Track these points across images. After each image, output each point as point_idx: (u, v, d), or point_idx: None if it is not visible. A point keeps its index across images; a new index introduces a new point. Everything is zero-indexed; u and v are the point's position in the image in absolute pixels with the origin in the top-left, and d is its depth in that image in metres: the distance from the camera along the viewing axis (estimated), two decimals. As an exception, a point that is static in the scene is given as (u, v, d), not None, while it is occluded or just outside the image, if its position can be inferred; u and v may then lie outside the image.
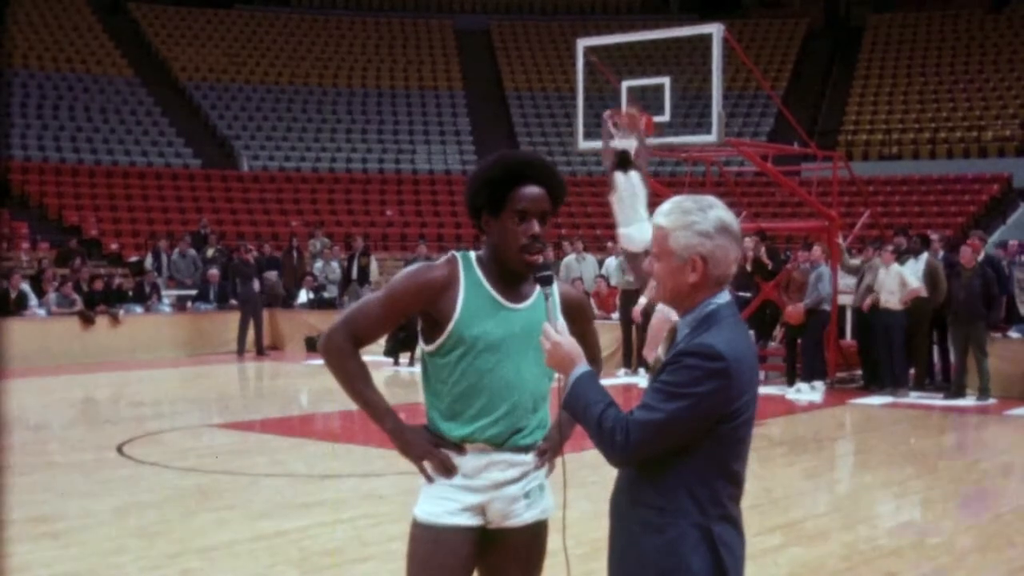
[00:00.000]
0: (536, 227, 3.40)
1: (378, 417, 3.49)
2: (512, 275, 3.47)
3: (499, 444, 3.44)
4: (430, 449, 3.45)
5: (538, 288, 3.44)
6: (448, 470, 3.44)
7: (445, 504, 3.43)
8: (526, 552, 3.54)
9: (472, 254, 3.52)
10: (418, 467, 3.49)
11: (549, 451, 3.54)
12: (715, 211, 2.93)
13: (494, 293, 3.45)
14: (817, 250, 14.53)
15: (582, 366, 2.98)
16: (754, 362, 2.94)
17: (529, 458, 3.50)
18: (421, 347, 3.54)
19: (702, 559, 2.84)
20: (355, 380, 3.48)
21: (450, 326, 3.40)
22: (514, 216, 3.39)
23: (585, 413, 2.89)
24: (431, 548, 3.43)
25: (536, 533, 3.55)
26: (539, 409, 3.52)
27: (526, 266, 3.42)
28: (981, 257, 14.04)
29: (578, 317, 3.60)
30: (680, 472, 2.85)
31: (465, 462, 3.44)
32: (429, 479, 3.47)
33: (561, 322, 3.13)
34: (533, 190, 3.41)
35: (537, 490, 3.53)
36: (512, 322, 3.44)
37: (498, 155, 3.52)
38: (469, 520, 3.44)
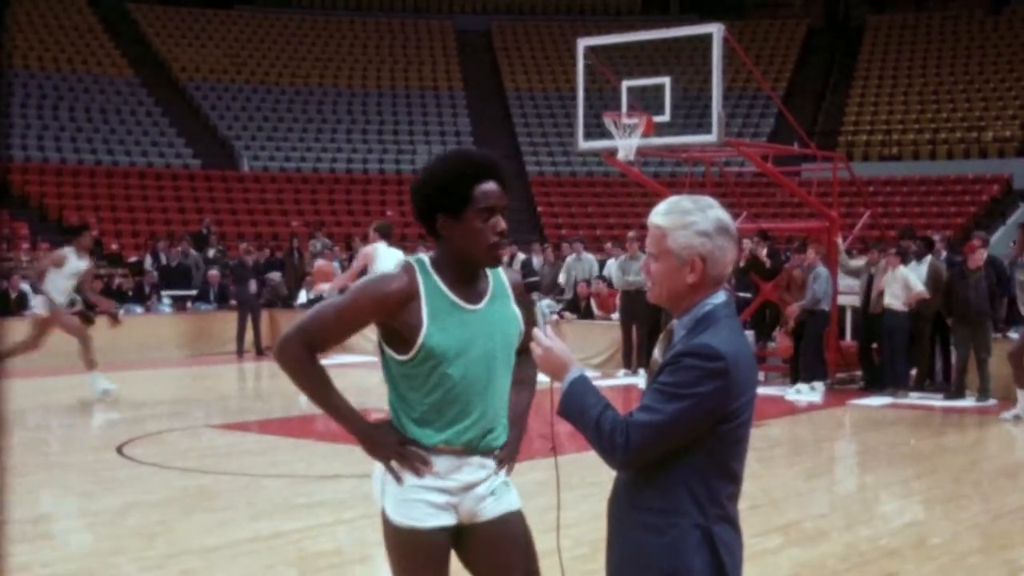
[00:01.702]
0: (503, 223, 3.41)
1: (343, 420, 3.47)
2: (469, 276, 3.47)
3: (474, 449, 3.48)
4: (399, 449, 3.43)
5: (491, 285, 3.49)
6: (419, 468, 3.43)
7: (420, 507, 3.44)
8: (509, 538, 3.57)
9: (426, 258, 3.48)
10: (387, 468, 3.47)
11: (507, 456, 3.59)
12: (714, 211, 2.93)
13: (454, 297, 3.44)
14: (811, 252, 14.53)
15: (575, 371, 2.97)
16: (752, 362, 2.94)
17: (492, 461, 3.54)
18: (387, 352, 3.46)
19: (704, 560, 2.84)
20: (316, 387, 3.46)
21: (420, 340, 3.38)
22: (481, 215, 3.38)
23: (582, 417, 2.88)
24: (422, 552, 3.46)
25: (511, 520, 3.57)
26: (505, 409, 3.56)
27: (494, 261, 3.45)
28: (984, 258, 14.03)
29: (526, 301, 3.63)
30: (679, 472, 2.85)
31: (438, 462, 3.45)
32: (399, 480, 3.45)
33: (548, 327, 3.14)
34: (493, 186, 3.41)
35: (502, 486, 3.58)
36: (474, 324, 3.44)
37: (450, 156, 3.49)
38: (447, 520, 3.48)
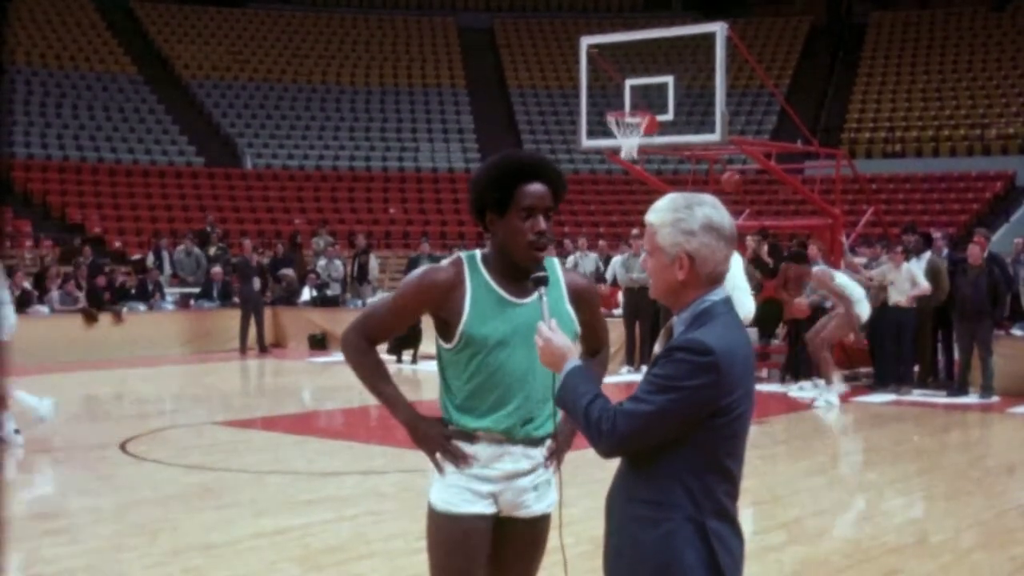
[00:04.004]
0: (542, 223, 3.51)
1: (393, 409, 3.65)
2: (517, 271, 3.57)
3: (513, 436, 3.56)
4: (443, 442, 3.57)
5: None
6: (460, 460, 3.55)
7: (462, 493, 3.55)
8: (530, 544, 3.67)
9: (477, 253, 3.63)
10: (431, 459, 3.61)
11: (559, 450, 3.66)
12: (702, 209, 2.94)
13: (500, 291, 3.55)
14: (813, 248, 14.53)
15: (572, 361, 3.04)
16: (748, 359, 2.95)
17: (539, 452, 3.61)
18: (438, 341, 3.64)
19: (697, 553, 2.86)
20: (371, 375, 3.67)
21: (460, 327, 3.52)
22: (521, 213, 3.49)
23: (574, 406, 2.94)
24: (452, 534, 3.54)
25: (541, 527, 3.67)
26: (549, 400, 3.60)
27: (533, 260, 3.53)
28: (985, 255, 14.04)
29: (585, 305, 3.71)
30: (674, 466, 2.87)
31: (479, 451, 3.56)
32: (441, 470, 3.58)
33: (554, 321, 3.21)
34: (537, 187, 3.51)
35: (545, 484, 3.66)
36: (519, 317, 3.54)
37: (501, 155, 3.62)
38: (486, 508, 3.56)
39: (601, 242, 21.46)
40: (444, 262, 3.63)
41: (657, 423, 2.82)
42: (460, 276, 3.55)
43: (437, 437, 3.58)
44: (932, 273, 14.01)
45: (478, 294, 3.53)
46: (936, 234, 15.59)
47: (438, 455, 3.58)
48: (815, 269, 13.45)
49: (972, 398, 13.48)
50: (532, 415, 3.57)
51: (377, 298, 19.72)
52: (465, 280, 3.55)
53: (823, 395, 13.23)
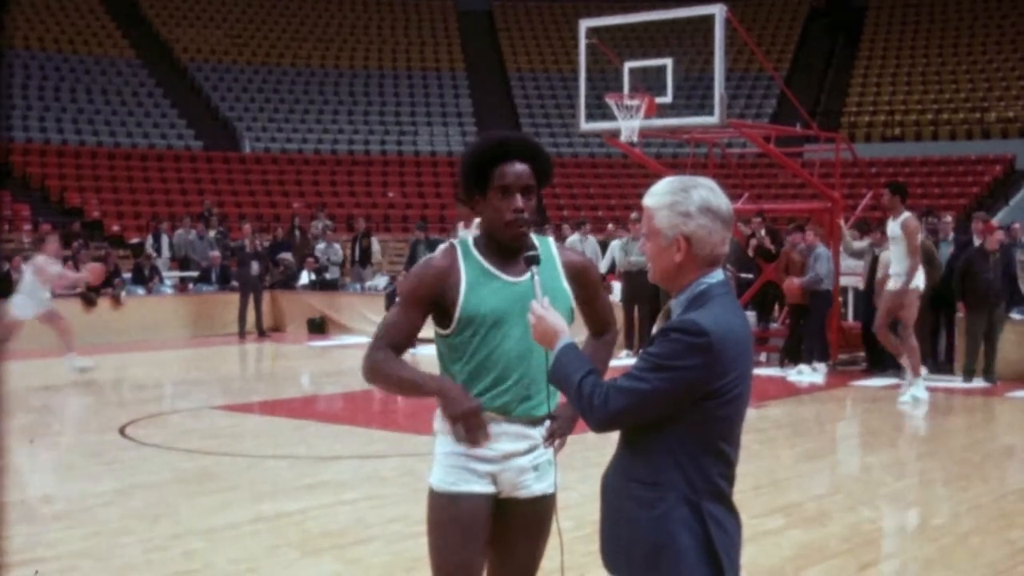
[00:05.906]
0: (519, 201, 3.55)
1: (423, 387, 3.58)
2: (507, 250, 3.62)
3: (509, 413, 3.58)
4: (468, 413, 3.50)
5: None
6: (477, 436, 3.51)
7: (460, 473, 3.58)
8: (533, 524, 3.68)
9: (470, 238, 3.69)
10: (451, 426, 3.56)
11: (559, 430, 3.66)
12: (699, 192, 2.94)
13: (493, 270, 3.60)
14: (810, 232, 14.50)
15: (565, 339, 3.06)
16: (745, 341, 2.94)
17: (538, 432, 3.63)
18: (436, 331, 3.66)
19: (692, 535, 2.86)
20: (394, 374, 3.59)
21: (457, 310, 3.56)
22: (498, 192, 3.55)
23: (567, 382, 2.97)
24: (450, 513, 3.57)
25: (543, 506, 3.68)
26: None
27: (513, 238, 3.58)
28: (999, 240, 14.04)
29: (583, 281, 3.74)
30: (669, 447, 2.88)
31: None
32: (458, 439, 3.55)
33: (546, 299, 3.23)
34: (514, 166, 3.57)
35: (546, 464, 3.67)
36: (514, 295, 3.58)
37: (480, 137, 3.69)
38: (484, 487, 3.59)
39: (611, 225, 21.26)
40: (437, 251, 3.69)
41: (649, 401, 2.84)
42: (454, 262, 3.60)
43: (465, 403, 3.50)
44: (925, 256, 13.96)
45: (472, 275, 3.58)
46: (947, 218, 15.57)
47: (459, 425, 3.51)
48: None
49: (975, 382, 13.45)
50: (530, 393, 3.59)
51: (380, 284, 19.76)
52: (459, 264, 3.60)
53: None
